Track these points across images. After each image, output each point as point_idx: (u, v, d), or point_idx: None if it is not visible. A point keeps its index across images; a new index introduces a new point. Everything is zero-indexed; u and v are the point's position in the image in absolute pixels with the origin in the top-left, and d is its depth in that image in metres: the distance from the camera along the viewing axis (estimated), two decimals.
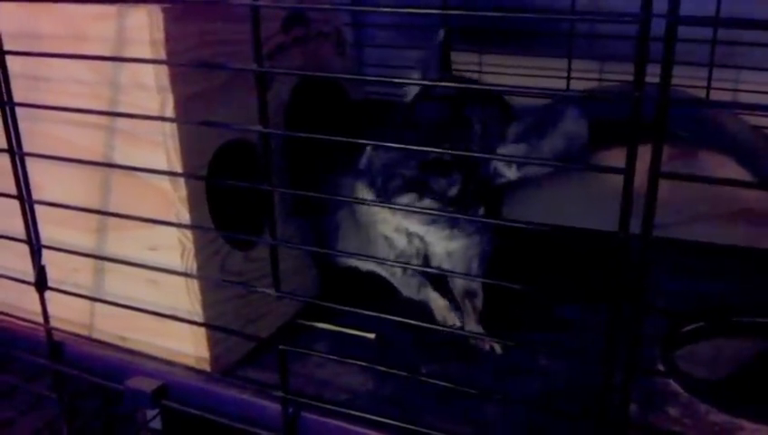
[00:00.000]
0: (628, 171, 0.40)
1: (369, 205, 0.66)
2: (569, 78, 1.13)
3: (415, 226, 0.64)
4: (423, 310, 0.69)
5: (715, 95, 1.09)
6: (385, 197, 0.60)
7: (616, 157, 0.41)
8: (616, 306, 0.41)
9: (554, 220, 0.87)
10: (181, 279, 0.58)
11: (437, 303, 0.69)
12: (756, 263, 0.80)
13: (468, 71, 1.19)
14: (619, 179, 0.40)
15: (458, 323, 0.67)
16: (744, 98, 1.13)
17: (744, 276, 0.76)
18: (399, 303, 0.70)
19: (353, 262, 0.73)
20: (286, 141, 0.67)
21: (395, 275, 0.70)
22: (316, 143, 0.45)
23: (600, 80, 1.19)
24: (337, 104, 0.75)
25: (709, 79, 1.06)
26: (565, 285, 0.74)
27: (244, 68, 0.51)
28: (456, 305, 0.69)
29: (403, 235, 0.66)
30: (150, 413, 1.01)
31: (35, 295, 0.61)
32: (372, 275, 0.72)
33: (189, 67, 0.56)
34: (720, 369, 0.63)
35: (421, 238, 0.65)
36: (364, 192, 0.63)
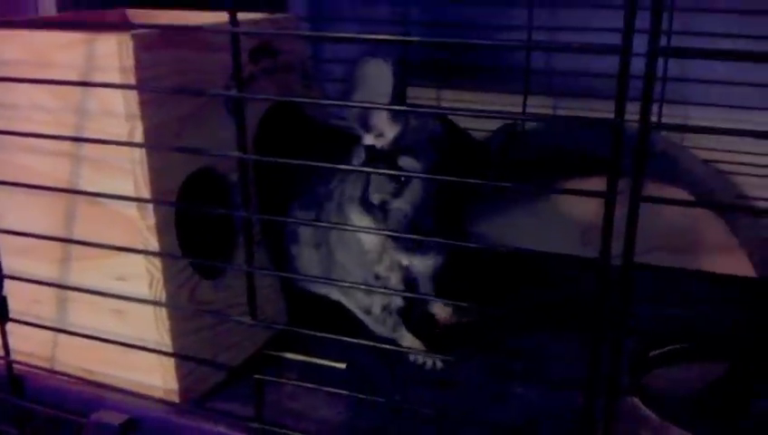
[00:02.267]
0: (610, 196, 0.40)
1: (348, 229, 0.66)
2: (524, 113, 1.15)
3: (404, 257, 0.64)
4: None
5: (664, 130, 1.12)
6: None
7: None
8: (599, 333, 0.42)
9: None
10: (149, 309, 0.56)
11: (413, 343, 0.69)
12: (715, 288, 0.82)
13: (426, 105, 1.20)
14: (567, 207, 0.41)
15: (435, 364, 0.66)
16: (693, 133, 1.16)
17: (704, 301, 0.78)
18: (367, 333, 0.70)
19: (323, 290, 0.72)
20: (256, 171, 0.66)
21: (370, 314, 0.70)
22: (283, 173, 0.45)
23: (553, 115, 1.21)
24: (303, 133, 0.75)
25: (660, 114, 1.10)
26: (544, 310, 0.75)
27: (226, 93, 0.51)
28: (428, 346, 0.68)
29: (396, 271, 0.66)
30: None
31: None
32: (339, 305, 0.72)
33: (159, 94, 0.56)
34: (689, 392, 0.64)
35: (408, 268, 0.66)
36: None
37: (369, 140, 0.64)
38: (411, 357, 0.66)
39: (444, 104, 1.26)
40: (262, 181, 0.67)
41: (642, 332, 0.68)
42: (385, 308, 0.69)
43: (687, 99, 1.11)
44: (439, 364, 0.65)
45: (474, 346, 0.70)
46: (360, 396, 0.50)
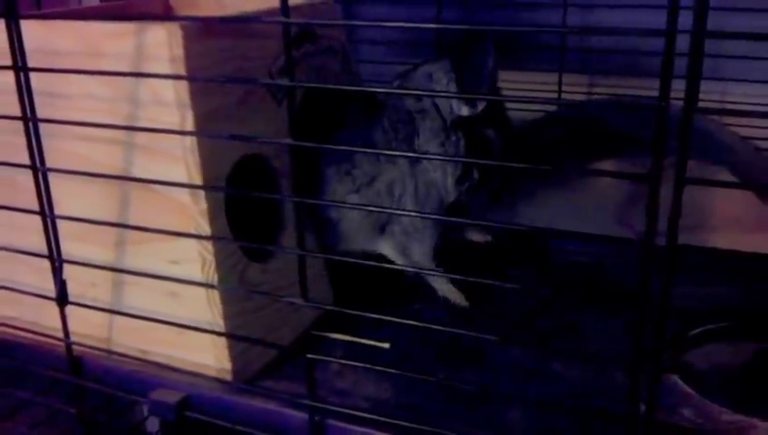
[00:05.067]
0: (654, 178, 0.41)
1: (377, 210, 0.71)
2: (560, 91, 1.15)
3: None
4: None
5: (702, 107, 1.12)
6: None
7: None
8: (642, 313, 0.43)
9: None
10: (202, 291, 0.58)
11: (442, 287, 0.74)
12: (750, 266, 0.82)
13: None
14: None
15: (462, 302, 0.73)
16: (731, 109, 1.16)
17: (742, 280, 0.79)
18: (411, 312, 0.72)
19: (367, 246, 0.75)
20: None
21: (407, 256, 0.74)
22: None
23: (589, 93, 1.21)
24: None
25: (697, 93, 1.09)
26: (588, 291, 0.76)
27: (277, 83, 0.52)
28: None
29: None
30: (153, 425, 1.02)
31: (51, 311, 0.61)
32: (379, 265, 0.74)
33: (209, 82, 0.57)
34: (729, 370, 0.64)
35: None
36: None
37: (465, 111, 0.70)
38: (439, 292, 0.73)
39: None
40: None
41: (684, 312, 0.69)
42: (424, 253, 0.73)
43: (724, 75, 1.10)
44: (465, 302, 0.72)
45: (514, 324, 0.71)
46: (405, 374, 0.51)
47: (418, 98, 0.71)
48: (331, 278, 0.72)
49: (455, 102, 0.70)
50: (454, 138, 0.71)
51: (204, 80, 0.56)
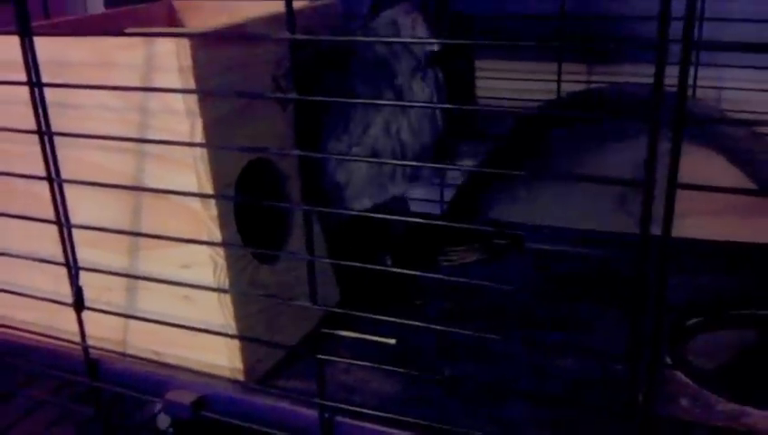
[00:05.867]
0: (648, 184, 0.43)
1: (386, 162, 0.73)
2: (559, 81, 1.16)
3: None
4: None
5: (700, 93, 1.13)
6: None
7: None
8: (639, 308, 0.44)
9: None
10: (214, 294, 0.60)
11: None
12: (743, 256, 0.84)
13: None
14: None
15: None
16: (728, 95, 1.17)
17: (735, 269, 0.80)
18: (417, 308, 0.74)
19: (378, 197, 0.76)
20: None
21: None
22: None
23: (588, 82, 1.22)
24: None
25: (695, 78, 1.11)
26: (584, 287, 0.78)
27: (283, 96, 0.54)
28: None
29: None
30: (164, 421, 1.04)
31: (68, 315, 0.63)
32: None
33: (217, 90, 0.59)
34: (724, 359, 0.66)
35: None
36: None
37: (436, 47, 0.72)
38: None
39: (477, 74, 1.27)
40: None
41: (681, 302, 0.71)
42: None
43: (721, 61, 1.11)
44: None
45: (517, 322, 0.73)
46: (412, 373, 0.53)
47: (388, 43, 0.74)
48: (337, 272, 0.74)
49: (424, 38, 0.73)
50: (431, 73, 0.73)
51: (213, 93, 0.58)
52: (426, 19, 0.72)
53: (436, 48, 0.72)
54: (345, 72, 0.73)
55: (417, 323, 0.51)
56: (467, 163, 0.94)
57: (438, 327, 0.51)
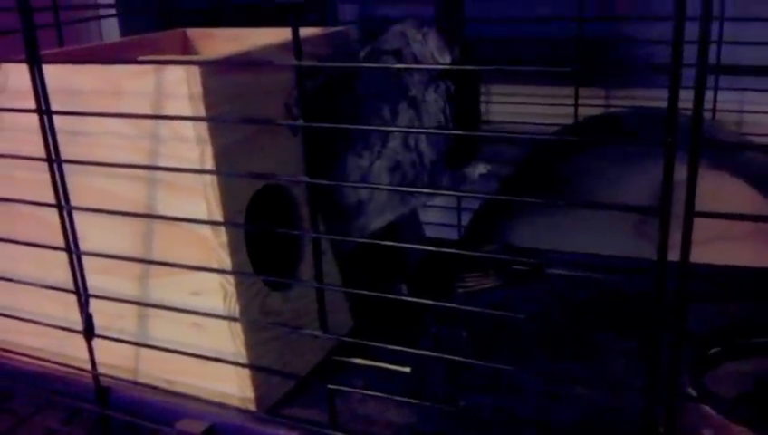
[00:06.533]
0: (665, 211, 0.42)
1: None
2: (576, 105, 1.15)
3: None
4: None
5: (720, 117, 1.12)
6: None
7: None
8: (656, 337, 0.43)
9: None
10: (224, 322, 0.60)
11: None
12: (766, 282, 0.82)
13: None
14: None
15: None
16: (749, 118, 1.16)
17: (757, 296, 0.78)
18: (432, 335, 0.73)
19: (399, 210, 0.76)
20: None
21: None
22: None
23: (606, 106, 1.22)
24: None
25: (714, 101, 1.09)
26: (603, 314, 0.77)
27: (292, 123, 0.53)
28: None
29: None
30: None
31: (78, 342, 0.62)
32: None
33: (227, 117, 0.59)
34: (748, 389, 0.65)
35: None
36: None
37: (448, 59, 0.73)
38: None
39: (494, 99, 1.27)
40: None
41: (703, 334, 0.69)
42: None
43: (741, 84, 1.10)
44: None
45: (534, 351, 0.71)
46: (424, 404, 0.52)
47: (399, 56, 0.73)
48: (351, 297, 0.73)
49: (436, 52, 0.73)
50: (443, 85, 0.73)
51: (223, 121, 0.58)
52: (438, 32, 0.73)
53: (447, 60, 0.73)
54: (357, 91, 0.73)
55: (430, 353, 0.50)
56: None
57: (453, 357, 0.50)
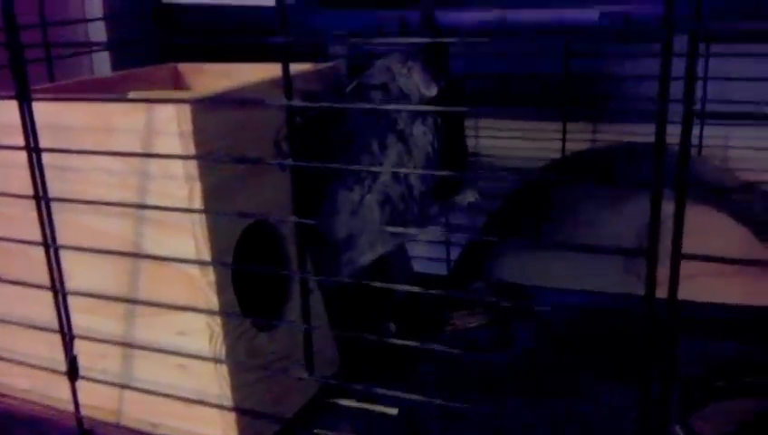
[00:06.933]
0: (651, 253, 0.42)
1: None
2: (564, 139, 1.16)
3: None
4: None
5: (706, 152, 1.13)
6: None
7: None
8: (647, 381, 0.43)
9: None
10: (210, 363, 0.59)
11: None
12: (756, 320, 0.82)
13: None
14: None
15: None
16: (735, 154, 1.17)
17: (747, 334, 0.79)
18: (420, 374, 0.72)
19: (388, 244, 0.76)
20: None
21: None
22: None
23: (593, 140, 1.22)
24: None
25: (700, 137, 1.10)
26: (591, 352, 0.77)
27: (282, 163, 0.53)
28: None
29: None
30: None
31: (63, 382, 0.62)
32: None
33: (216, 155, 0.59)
34: (738, 430, 0.64)
35: None
36: None
37: (434, 91, 0.73)
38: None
39: (482, 133, 1.28)
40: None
41: (692, 373, 0.69)
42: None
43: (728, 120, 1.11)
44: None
45: (522, 390, 0.71)
46: None
47: (386, 90, 0.74)
48: (338, 337, 0.73)
49: (422, 85, 0.73)
50: (430, 118, 0.74)
51: (213, 160, 0.57)
52: (423, 65, 0.73)
53: (434, 93, 0.73)
54: (346, 126, 0.73)
55: (417, 397, 0.50)
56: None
57: (441, 402, 0.50)
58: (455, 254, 1.15)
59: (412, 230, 0.75)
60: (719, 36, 1.00)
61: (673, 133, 0.40)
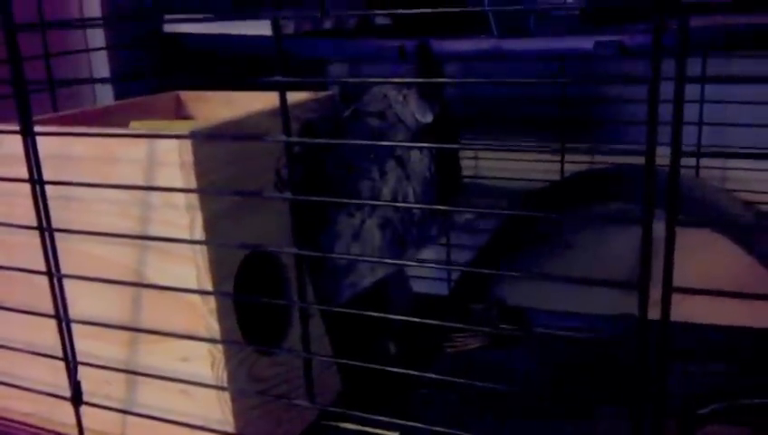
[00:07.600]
0: (643, 285, 0.43)
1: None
2: (562, 162, 1.17)
3: None
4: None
5: (704, 173, 1.14)
6: None
7: None
8: (640, 408, 0.44)
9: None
10: (212, 389, 0.60)
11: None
12: (754, 342, 0.82)
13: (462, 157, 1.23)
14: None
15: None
16: (734, 175, 1.18)
17: (743, 356, 0.79)
18: (422, 396, 0.73)
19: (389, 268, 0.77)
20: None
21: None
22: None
23: (591, 163, 1.23)
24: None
25: (698, 161, 1.12)
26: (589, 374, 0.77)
27: (281, 196, 0.54)
28: None
29: None
30: None
31: (67, 407, 0.62)
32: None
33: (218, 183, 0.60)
34: None
35: None
36: None
37: (429, 117, 0.75)
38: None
39: (481, 155, 1.29)
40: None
41: (688, 395, 0.70)
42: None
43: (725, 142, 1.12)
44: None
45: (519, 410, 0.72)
46: None
47: (382, 117, 0.75)
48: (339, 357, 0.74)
49: (417, 112, 0.75)
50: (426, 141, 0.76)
51: (212, 192, 0.59)
52: (418, 93, 0.74)
53: (429, 119, 0.75)
54: (345, 153, 0.74)
55: (418, 425, 0.51)
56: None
57: (443, 430, 0.51)
58: (455, 273, 1.16)
59: (413, 252, 0.76)
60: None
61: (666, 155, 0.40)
